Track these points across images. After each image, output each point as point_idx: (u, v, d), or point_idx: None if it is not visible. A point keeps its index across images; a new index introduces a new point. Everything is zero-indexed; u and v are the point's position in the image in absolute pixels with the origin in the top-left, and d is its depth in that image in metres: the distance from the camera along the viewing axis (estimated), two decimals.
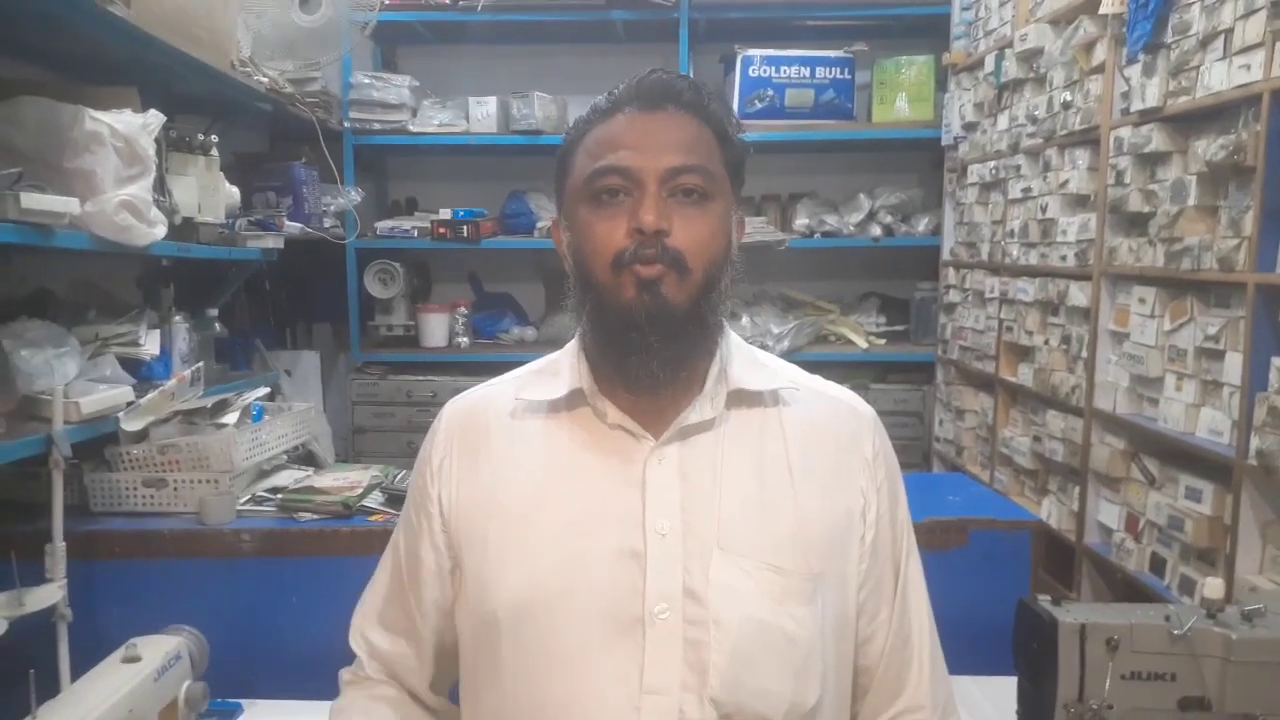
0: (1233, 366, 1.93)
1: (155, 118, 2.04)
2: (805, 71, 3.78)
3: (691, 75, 3.71)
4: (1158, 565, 2.16)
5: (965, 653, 1.63)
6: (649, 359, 0.94)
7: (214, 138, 2.43)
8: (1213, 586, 1.22)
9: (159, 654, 1.43)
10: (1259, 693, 1.18)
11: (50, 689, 1.36)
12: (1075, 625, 1.19)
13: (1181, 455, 2.13)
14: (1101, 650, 1.18)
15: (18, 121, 1.88)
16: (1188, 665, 1.18)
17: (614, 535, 0.95)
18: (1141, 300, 2.25)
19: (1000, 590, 1.76)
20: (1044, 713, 1.21)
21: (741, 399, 1.02)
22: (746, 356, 1.06)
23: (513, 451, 1.02)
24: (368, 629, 1.11)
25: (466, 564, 1.01)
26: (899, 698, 1.04)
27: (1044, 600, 1.25)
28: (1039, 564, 2.20)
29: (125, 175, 1.96)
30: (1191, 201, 2.06)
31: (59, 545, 1.74)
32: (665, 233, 0.93)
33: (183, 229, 2.28)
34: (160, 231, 2.05)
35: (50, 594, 1.69)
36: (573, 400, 1.02)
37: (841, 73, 3.79)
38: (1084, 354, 2.50)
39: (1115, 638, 1.18)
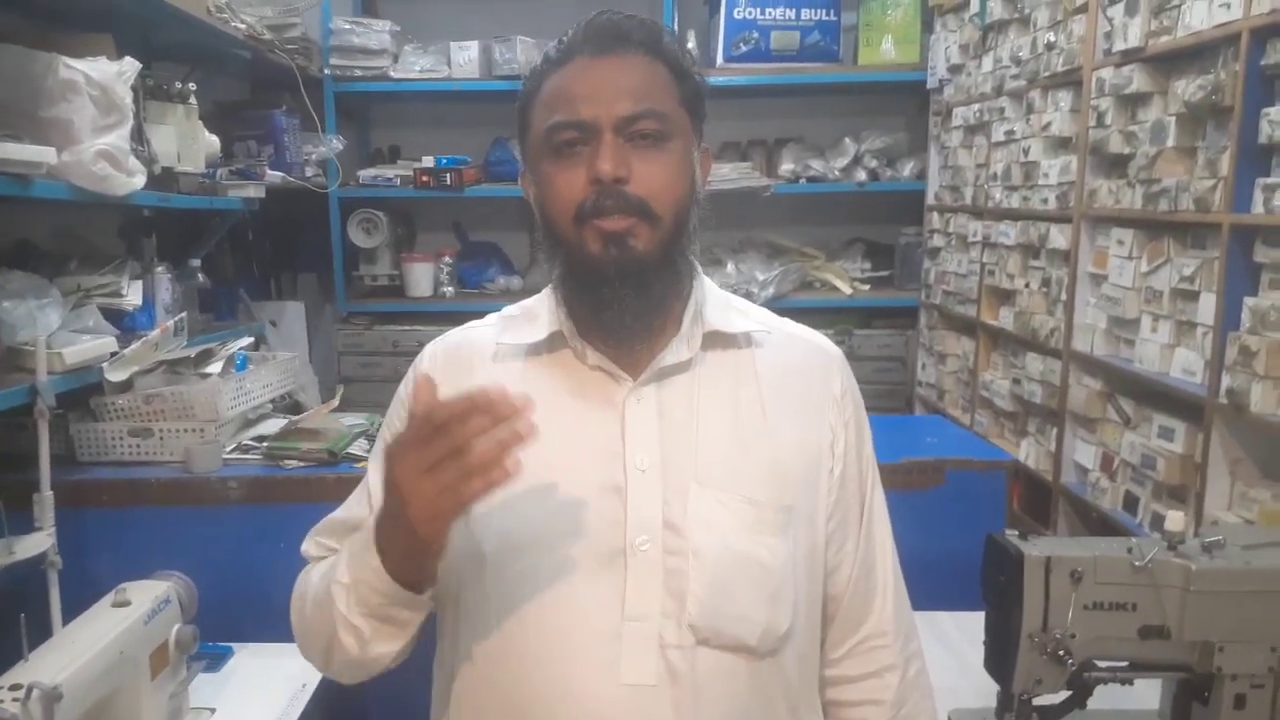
0: (1207, 307, 1.95)
1: (131, 65, 2.02)
2: (790, 13, 3.74)
3: (676, 18, 3.70)
4: (1130, 503, 2.20)
5: (941, 589, 1.67)
6: (621, 312, 0.97)
7: (192, 86, 2.40)
8: (1174, 519, 1.25)
9: (148, 598, 1.46)
10: (1216, 621, 1.22)
11: (42, 634, 1.39)
12: (1040, 558, 1.22)
13: (1156, 395, 2.16)
14: (1065, 582, 1.21)
15: None
16: (1148, 595, 1.22)
17: (596, 472, 0.98)
18: (1120, 242, 2.26)
19: (976, 528, 1.80)
20: (1009, 642, 1.24)
21: (716, 341, 1.05)
22: (720, 300, 1.08)
23: None
24: (322, 537, 1.13)
25: None
26: (864, 624, 1.08)
27: (1011, 534, 1.28)
28: (1014, 502, 2.24)
29: (102, 124, 1.94)
30: (1170, 142, 2.07)
31: (47, 494, 1.76)
32: (624, 180, 0.94)
33: (163, 179, 2.27)
34: (139, 181, 2.04)
35: (39, 542, 1.72)
36: (553, 343, 1.04)
37: (827, 14, 3.75)
38: (1063, 297, 2.52)
39: (1079, 569, 1.21)
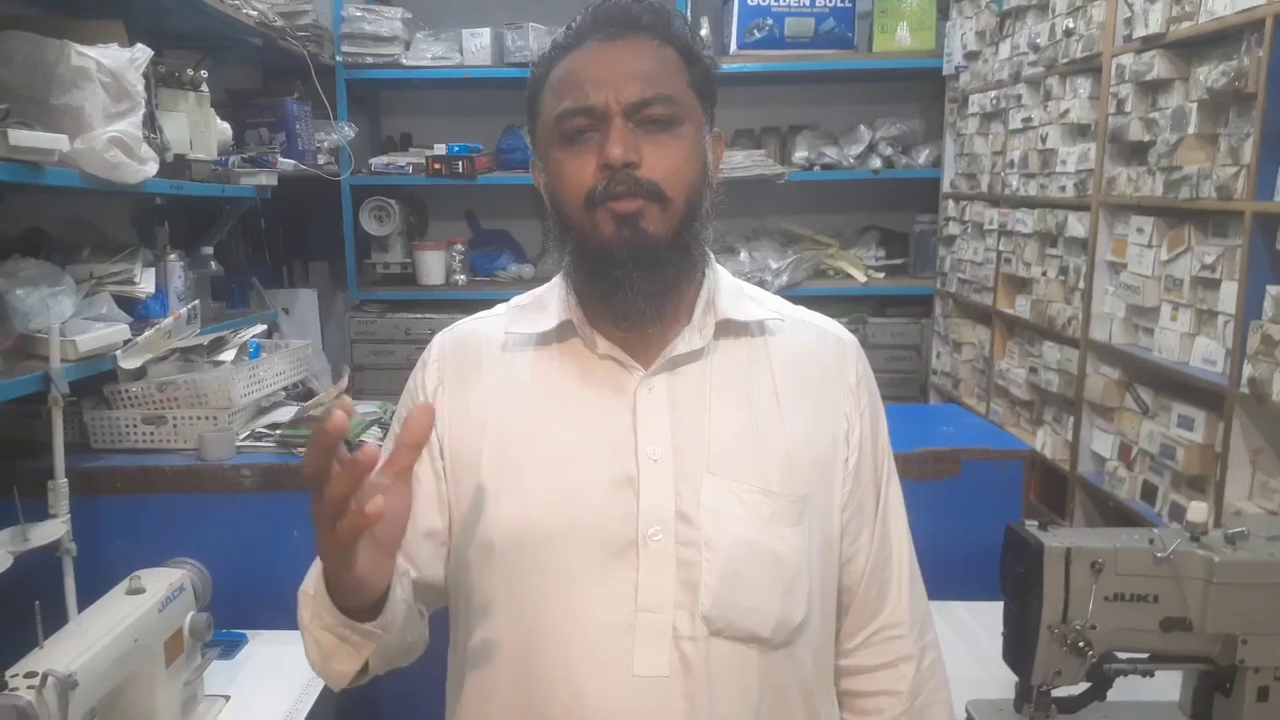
0: (1228, 295, 1.92)
1: (143, 52, 2.02)
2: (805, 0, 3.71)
3: (690, 4, 3.68)
4: (1149, 493, 2.18)
5: (958, 579, 1.66)
6: (633, 295, 0.95)
7: (204, 73, 2.40)
8: (1196, 510, 1.24)
9: (162, 586, 1.47)
10: (1239, 613, 1.20)
11: (57, 621, 1.40)
12: (1061, 549, 1.21)
13: (1175, 384, 2.14)
14: (1086, 573, 1.20)
15: (3, 57, 1.86)
16: (1170, 587, 1.20)
17: (607, 462, 0.97)
18: (1139, 230, 2.23)
19: (993, 518, 1.79)
20: (1029, 633, 1.23)
21: (729, 329, 1.04)
22: (733, 288, 1.07)
23: (505, 382, 1.03)
24: None
25: (462, 493, 1.02)
26: (879, 615, 1.07)
27: (1031, 525, 1.27)
28: (1030, 492, 2.22)
29: (114, 111, 1.94)
30: (1192, 130, 2.04)
31: (61, 482, 1.77)
32: (635, 165, 0.93)
33: (175, 166, 2.26)
34: (151, 169, 2.04)
35: (54, 529, 1.72)
36: (563, 332, 1.03)
37: (842, 0, 3.72)
38: (1081, 285, 2.49)
39: (1099, 560, 1.20)
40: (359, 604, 0.90)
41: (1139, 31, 2.21)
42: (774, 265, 3.71)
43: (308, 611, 0.94)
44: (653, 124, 0.94)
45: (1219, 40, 2.00)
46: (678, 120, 0.96)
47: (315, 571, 0.94)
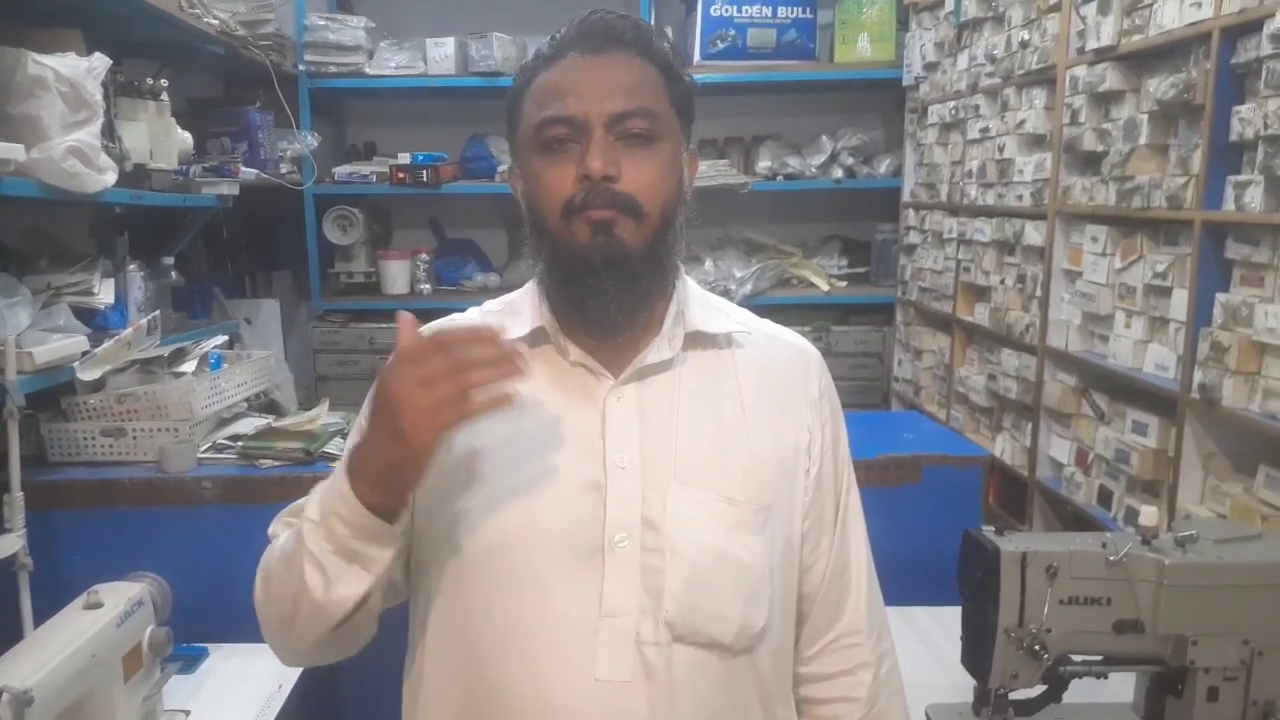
0: (1179, 303, 1.97)
1: (101, 61, 2.00)
2: (767, 11, 3.75)
3: (653, 15, 3.70)
4: (1105, 497, 2.22)
5: (918, 584, 1.68)
6: (606, 303, 0.96)
7: (164, 82, 2.38)
8: (1147, 514, 1.27)
9: (121, 600, 1.45)
10: (1190, 615, 1.23)
11: (13, 637, 1.37)
12: (1016, 554, 1.23)
13: (1129, 390, 2.18)
14: (1041, 577, 1.22)
15: None
16: (1123, 590, 1.23)
17: (576, 469, 0.98)
18: (1094, 239, 2.28)
19: (952, 524, 1.81)
20: (986, 637, 1.25)
21: (697, 341, 1.05)
22: (701, 300, 1.08)
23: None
24: (290, 518, 1.07)
25: (430, 493, 1.01)
26: (838, 622, 1.08)
27: (988, 530, 1.29)
28: (989, 498, 2.25)
29: (72, 121, 1.92)
30: (1143, 140, 2.09)
31: (17, 495, 1.75)
32: (614, 178, 0.93)
33: (135, 176, 2.24)
34: (110, 178, 2.02)
35: (10, 544, 1.70)
36: (535, 339, 1.03)
37: (803, 12, 3.76)
38: (1038, 293, 2.54)
39: (1054, 565, 1.22)
40: (381, 504, 0.89)
41: (1092, 44, 2.26)
42: (738, 274, 3.74)
43: (312, 535, 0.90)
44: (633, 138, 0.95)
45: (1168, 53, 2.05)
46: (657, 135, 0.97)
47: (321, 493, 0.92)
